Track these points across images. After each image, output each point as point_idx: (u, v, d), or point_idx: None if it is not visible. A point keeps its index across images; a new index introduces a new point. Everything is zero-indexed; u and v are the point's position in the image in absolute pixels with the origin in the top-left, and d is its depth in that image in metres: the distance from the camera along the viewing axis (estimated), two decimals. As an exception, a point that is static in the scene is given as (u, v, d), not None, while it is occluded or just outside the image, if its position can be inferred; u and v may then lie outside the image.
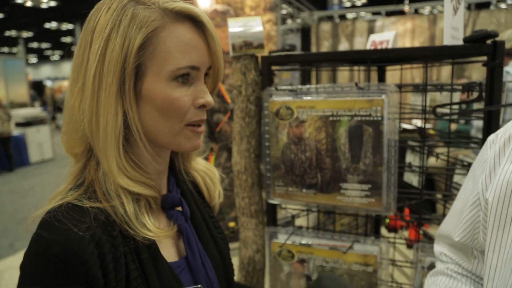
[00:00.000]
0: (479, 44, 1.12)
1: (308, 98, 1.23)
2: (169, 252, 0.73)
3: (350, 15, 9.35)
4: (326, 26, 6.44)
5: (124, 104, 0.64)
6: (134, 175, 0.67)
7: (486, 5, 5.96)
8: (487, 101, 1.14)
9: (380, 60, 1.28)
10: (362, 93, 1.16)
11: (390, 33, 1.77)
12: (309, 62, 1.41)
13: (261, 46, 1.33)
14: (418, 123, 3.85)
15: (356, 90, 1.17)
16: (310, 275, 1.37)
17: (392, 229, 1.93)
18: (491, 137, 0.80)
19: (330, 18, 6.91)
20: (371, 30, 6.06)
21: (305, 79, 5.91)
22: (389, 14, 6.72)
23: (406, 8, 6.69)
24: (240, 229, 1.50)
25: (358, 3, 12.16)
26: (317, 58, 1.33)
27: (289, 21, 7.40)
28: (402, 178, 1.72)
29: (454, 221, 0.86)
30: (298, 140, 1.25)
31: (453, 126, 3.52)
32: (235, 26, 1.31)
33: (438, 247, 0.90)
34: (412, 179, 1.63)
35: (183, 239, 0.76)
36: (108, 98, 0.62)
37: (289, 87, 1.29)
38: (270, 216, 1.48)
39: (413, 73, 5.47)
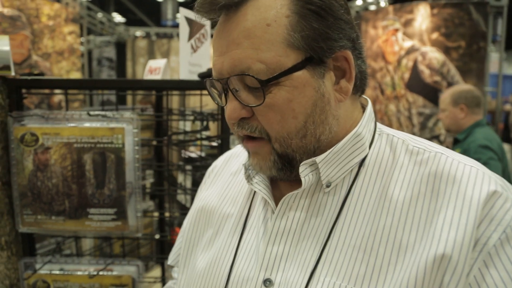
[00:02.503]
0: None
1: (55, 125, 1.22)
2: None
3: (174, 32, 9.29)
4: (142, 43, 6.44)
5: None
6: None
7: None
8: (220, 129, 1.34)
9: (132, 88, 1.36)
10: (107, 120, 1.22)
11: (162, 61, 1.90)
12: (60, 87, 1.39)
13: (6, 68, 1.26)
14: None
15: (102, 118, 1.22)
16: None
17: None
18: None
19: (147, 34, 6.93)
20: (185, 50, 6.32)
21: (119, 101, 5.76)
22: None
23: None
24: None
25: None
26: (66, 84, 1.33)
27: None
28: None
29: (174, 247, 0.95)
30: (44, 167, 1.22)
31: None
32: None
33: (173, 268, 0.97)
34: (182, 198, 1.77)
35: None
36: None
37: (38, 112, 1.26)
38: (26, 246, 1.39)
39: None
